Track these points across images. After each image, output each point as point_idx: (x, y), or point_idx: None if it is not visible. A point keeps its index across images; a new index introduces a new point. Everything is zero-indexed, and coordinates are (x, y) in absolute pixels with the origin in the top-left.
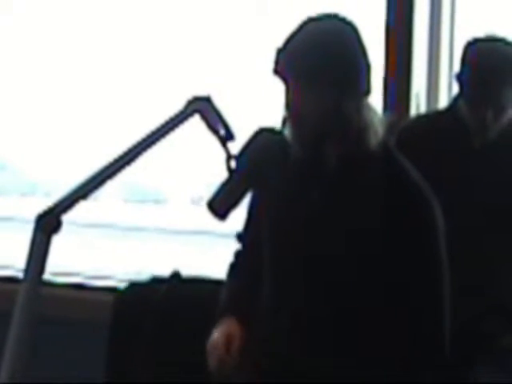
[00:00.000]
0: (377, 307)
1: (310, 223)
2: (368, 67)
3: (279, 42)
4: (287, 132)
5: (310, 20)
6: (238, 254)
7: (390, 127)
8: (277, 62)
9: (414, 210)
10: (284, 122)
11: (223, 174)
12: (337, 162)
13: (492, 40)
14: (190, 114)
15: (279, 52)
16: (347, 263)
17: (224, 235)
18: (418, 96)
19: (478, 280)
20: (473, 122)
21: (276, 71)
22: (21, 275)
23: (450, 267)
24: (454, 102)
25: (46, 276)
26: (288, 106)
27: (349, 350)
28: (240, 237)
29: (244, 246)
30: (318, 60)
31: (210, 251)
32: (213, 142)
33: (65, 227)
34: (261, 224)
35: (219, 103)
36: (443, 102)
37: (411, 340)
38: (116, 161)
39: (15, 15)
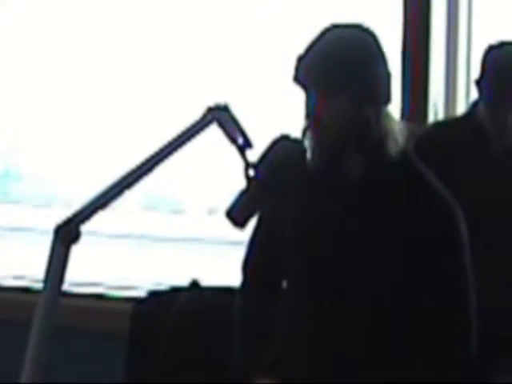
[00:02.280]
0: (401, 314)
1: (334, 233)
2: (388, 76)
3: (298, 48)
4: (308, 140)
5: (332, 28)
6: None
7: (410, 135)
8: (297, 70)
9: (437, 219)
10: (305, 130)
11: (241, 183)
12: (357, 170)
13: (511, 44)
14: (208, 123)
15: (300, 59)
16: (372, 271)
17: (241, 243)
18: (435, 104)
19: (496, 285)
20: (492, 127)
21: (296, 78)
22: (36, 285)
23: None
24: (473, 108)
25: (66, 286)
26: (308, 114)
27: (376, 356)
28: (245, 266)
29: (247, 274)
30: (338, 69)
31: (227, 260)
32: (231, 150)
33: (83, 238)
34: (279, 235)
35: (237, 111)
36: (461, 110)
37: (437, 347)
38: (135, 170)
39: (12, 12)
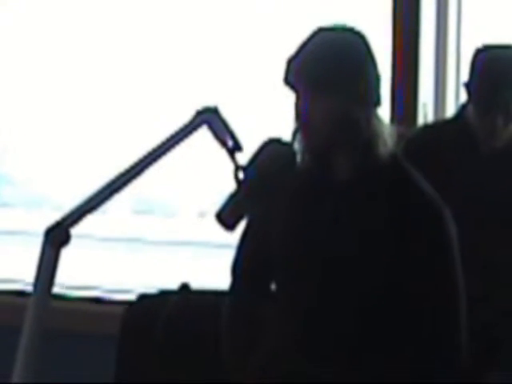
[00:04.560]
0: (391, 317)
1: (323, 235)
2: (378, 78)
3: (288, 50)
4: (298, 142)
5: (321, 30)
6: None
7: (399, 138)
8: (287, 71)
9: (425, 220)
10: (295, 132)
11: (231, 185)
12: (347, 172)
13: (500, 47)
14: (198, 126)
15: (290, 61)
16: (361, 272)
17: (231, 246)
18: (425, 106)
19: (485, 288)
20: (481, 130)
21: (286, 80)
22: (28, 288)
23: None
24: (462, 111)
25: (58, 289)
26: (298, 115)
27: (365, 357)
28: (234, 269)
29: (236, 276)
30: (327, 70)
31: (217, 262)
32: (220, 153)
33: (74, 241)
34: (268, 237)
35: (226, 114)
36: (450, 112)
37: (427, 350)
38: (125, 173)
39: (12, 12)
